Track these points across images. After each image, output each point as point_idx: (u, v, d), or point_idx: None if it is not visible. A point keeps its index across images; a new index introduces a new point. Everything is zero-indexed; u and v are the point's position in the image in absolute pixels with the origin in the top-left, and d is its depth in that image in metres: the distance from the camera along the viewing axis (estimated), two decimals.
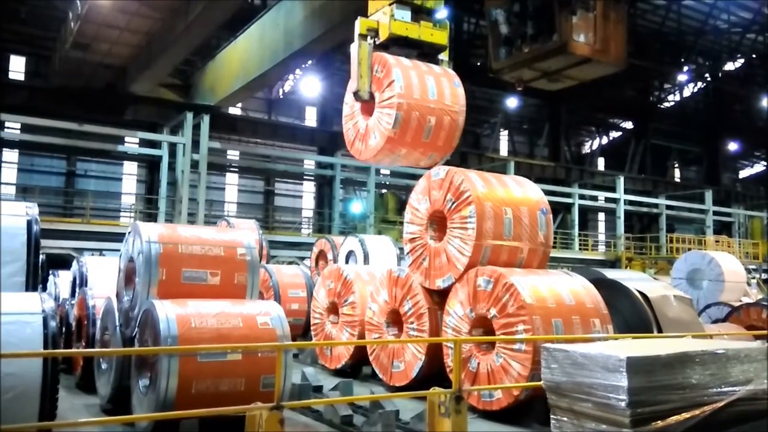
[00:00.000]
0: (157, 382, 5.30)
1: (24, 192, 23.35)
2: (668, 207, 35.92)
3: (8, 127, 22.72)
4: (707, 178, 40.29)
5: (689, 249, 26.59)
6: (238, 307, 5.95)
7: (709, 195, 35.84)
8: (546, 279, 6.88)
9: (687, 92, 39.38)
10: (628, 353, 3.74)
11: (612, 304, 7.11)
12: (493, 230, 7.09)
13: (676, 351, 3.91)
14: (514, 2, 11.92)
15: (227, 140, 27.18)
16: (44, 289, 9.46)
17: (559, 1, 11.17)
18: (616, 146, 40.05)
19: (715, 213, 36.09)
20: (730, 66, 37.74)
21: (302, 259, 18.53)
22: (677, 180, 41.62)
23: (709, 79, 37.97)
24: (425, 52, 8.10)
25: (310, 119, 31.27)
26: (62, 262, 12.82)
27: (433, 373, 7.13)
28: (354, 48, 7.68)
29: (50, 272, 10.30)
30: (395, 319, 7.99)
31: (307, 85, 30.38)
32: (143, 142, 25.20)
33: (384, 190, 29.85)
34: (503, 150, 36.74)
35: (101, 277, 8.24)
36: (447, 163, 8.20)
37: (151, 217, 23.87)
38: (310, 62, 26.26)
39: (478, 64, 28.63)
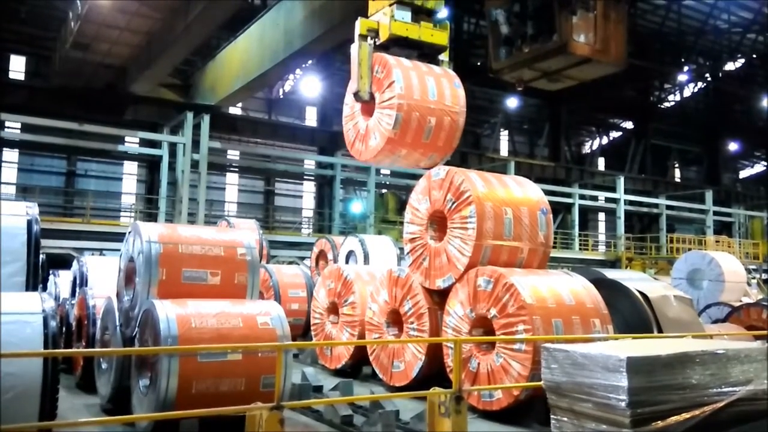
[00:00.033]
0: (157, 382, 5.30)
1: (24, 192, 23.36)
2: (668, 207, 35.92)
3: (8, 127, 22.72)
4: (707, 178, 40.29)
5: (689, 249, 26.59)
6: (238, 307, 5.95)
7: (709, 195, 35.84)
8: (546, 279, 6.88)
9: (687, 92, 39.39)
10: (628, 353, 3.74)
11: (612, 304, 7.11)
12: (493, 230, 7.09)
13: (677, 351, 3.91)
14: (515, 2, 11.93)
15: (227, 140, 27.18)
16: (44, 288, 9.47)
17: (560, 1, 11.17)
18: (616, 146, 40.06)
19: (715, 213, 36.10)
20: (730, 66, 37.75)
21: (302, 259, 18.54)
22: (677, 180, 41.63)
23: (709, 79, 37.98)
24: (425, 52, 8.11)
25: (311, 119, 31.28)
26: (62, 262, 12.82)
27: (433, 373, 7.13)
28: (354, 48, 7.68)
29: (50, 272, 10.30)
30: (395, 319, 7.99)
31: (308, 84, 30.38)
32: (143, 142, 25.20)
33: (384, 190, 29.86)
34: (503, 150, 36.74)
35: (101, 276, 8.24)
36: (447, 163, 8.20)
37: (152, 217, 23.87)
38: (310, 62, 26.28)
39: (478, 64, 28.63)
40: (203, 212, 22.42)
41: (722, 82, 37.95)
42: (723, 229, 38.86)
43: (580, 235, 32.07)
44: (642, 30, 32.42)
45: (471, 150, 31.27)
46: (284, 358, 5.12)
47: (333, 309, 9.23)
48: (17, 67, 24.68)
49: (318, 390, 7.24)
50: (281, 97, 30.26)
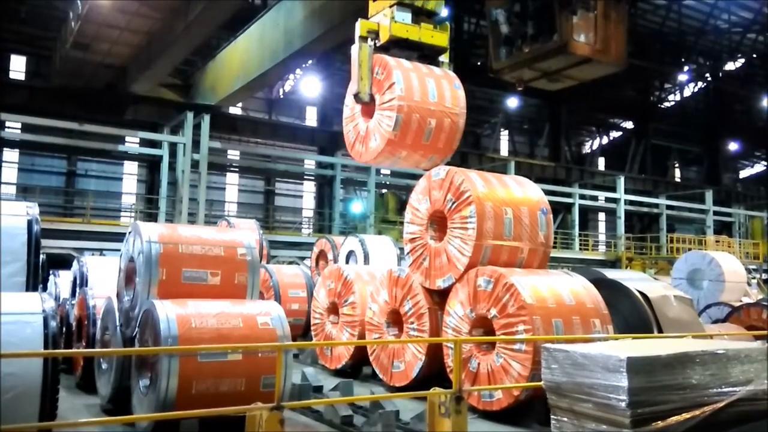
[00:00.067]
0: (157, 382, 5.30)
1: (24, 192, 23.36)
2: (668, 207, 35.92)
3: (9, 127, 22.73)
4: (707, 178, 40.29)
5: (689, 249, 26.59)
6: (238, 307, 5.95)
7: (709, 195, 35.84)
8: (546, 279, 6.88)
9: (687, 92, 39.40)
10: (628, 353, 3.74)
11: (612, 304, 7.11)
12: (493, 230, 7.09)
13: (677, 351, 3.91)
14: (515, 2, 11.91)
15: (227, 140, 27.18)
16: (44, 289, 9.48)
17: (560, 1, 11.16)
18: (616, 146, 40.07)
19: (715, 213, 36.10)
20: (730, 66, 37.76)
21: (302, 259, 18.54)
22: (677, 180, 41.63)
23: (709, 79, 37.99)
24: (426, 54, 8.11)
25: (311, 119, 31.28)
26: (62, 262, 12.82)
27: (433, 374, 7.13)
28: (354, 50, 7.69)
29: (50, 272, 10.30)
30: (395, 320, 7.99)
31: (308, 84, 30.38)
32: (143, 142, 25.21)
33: (384, 190, 29.86)
34: (503, 150, 36.74)
35: (101, 277, 8.23)
36: (447, 163, 8.19)
37: (152, 217, 23.87)
38: (310, 62, 26.27)
39: (479, 64, 28.62)
40: (203, 212, 22.42)
41: (722, 82, 37.96)
42: (723, 229, 38.86)
43: (580, 235, 32.07)
44: (642, 30, 32.43)
45: (471, 150, 31.28)
46: (284, 359, 5.11)
47: (333, 309, 9.23)
48: (17, 67, 24.69)
49: (318, 390, 7.24)
50: (281, 97, 30.27)
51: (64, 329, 8.08)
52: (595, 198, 35.41)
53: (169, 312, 5.53)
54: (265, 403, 4.16)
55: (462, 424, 4.53)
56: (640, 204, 35.37)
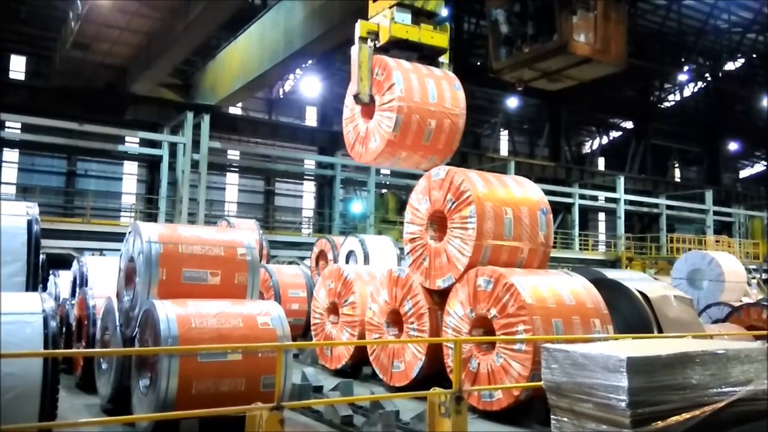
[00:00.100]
0: (157, 382, 5.30)
1: (24, 192, 23.36)
2: (668, 207, 35.92)
3: (9, 127, 22.73)
4: (707, 178, 40.29)
5: (689, 249, 26.59)
6: (238, 307, 5.95)
7: (709, 195, 35.85)
8: (546, 279, 6.88)
9: (687, 92, 39.39)
10: (628, 353, 3.74)
11: (612, 304, 7.11)
12: (493, 230, 7.09)
13: (677, 351, 3.91)
14: (515, 2, 11.91)
15: (227, 140, 27.19)
16: (44, 289, 9.48)
17: (560, 1, 11.16)
18: (616, 146, 40.07)
19: (715, 213, 36.10)
20: (730, 66, 37.75)
21: (302, 259, 18.53)
22: (677, 180, 41.63)
23: (709, 79, 37.98)
24: (426, 54, 8.10)
25: (311, 119, 31.28)
26: (62, 262, 12.82)
27: (433, 374, 7.13)
28: (354, 51, 7.68)
29: (50, 272, 10.30)
30: (395, 320, 7.99)
31: (308, 84, 30.39)
32: (143, 142, 25.21)
33: (384, 190, 29.86)
34: (503, 150, 36.75)
35: (101, 277, 8.23)
36: (447, 164, 8.20)
37: (152, 217, 23.87)
38: (310, 62, 26.26)
39: (478, 64, 28.62)
40: (203, 212, 22.43)
41: (722, 82, 37.95)
42: (723, 229, 38.86)
43: (580, 235, 32.07)
44: (642, 30, 32.42)
45: (471, 150, 31.27)
46: (284, 359, 5.11)
47: (333, 309, 9.23)
48: (17, 67, 24.69)
49: (318, 390, 7.24)
50: (281, 97, 30.27)
51: (64, 329, 8.08)
52: (595, 198, 35.41)
53: (169, 312, 5.53)
54: (265, 403, 4.16)
55: (462, 424, 4.53)
56: (640, 204, 35.37)
